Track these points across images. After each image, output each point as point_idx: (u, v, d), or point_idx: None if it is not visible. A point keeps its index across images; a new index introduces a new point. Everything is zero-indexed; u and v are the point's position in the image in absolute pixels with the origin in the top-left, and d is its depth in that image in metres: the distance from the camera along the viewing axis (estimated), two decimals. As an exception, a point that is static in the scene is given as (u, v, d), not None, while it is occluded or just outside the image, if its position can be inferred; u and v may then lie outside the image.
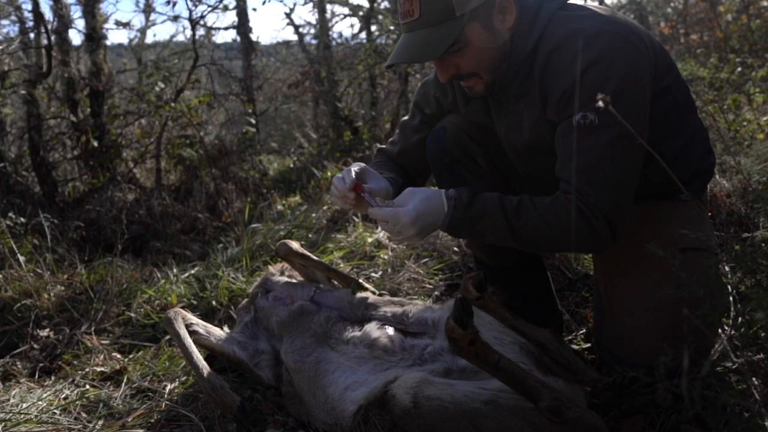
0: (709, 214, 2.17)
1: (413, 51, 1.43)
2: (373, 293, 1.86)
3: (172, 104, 4.34)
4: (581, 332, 1.88)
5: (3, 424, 1.57)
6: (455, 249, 2.64)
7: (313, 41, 7.24)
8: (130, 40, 7.77)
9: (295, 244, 2.04)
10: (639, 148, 1.38)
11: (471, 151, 1.70)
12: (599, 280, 1.66)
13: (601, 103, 1.02)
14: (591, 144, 1.34)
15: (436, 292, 2.32)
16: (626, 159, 1.36)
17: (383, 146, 1.93)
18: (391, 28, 6.11)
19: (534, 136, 1.50)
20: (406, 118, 1.90)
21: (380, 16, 6.88)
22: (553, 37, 1.42)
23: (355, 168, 1.61)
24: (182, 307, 2.31)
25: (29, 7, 4.74)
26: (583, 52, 1.34)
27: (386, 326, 1.56)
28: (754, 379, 1.15)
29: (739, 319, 1.26)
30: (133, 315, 2.39)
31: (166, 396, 1.76)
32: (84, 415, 1.69)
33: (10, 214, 3.17)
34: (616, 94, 1.28)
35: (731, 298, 1.30)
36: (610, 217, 1.36)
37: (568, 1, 1.49)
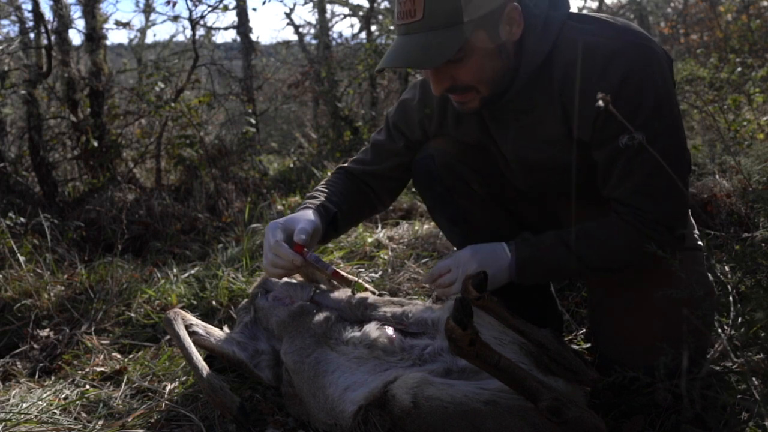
0: (710, 211, 2.18)
1: (413, 55, 1.30)
2: (373, 293, 1.85)
3: (172, 104, 4.34)
4: (581, 332, 1.88)
5: (3, 424, 1.57)
6: (455, 249, 2.64)
7: (313, 41, 7.24)
8: (130, 40, 7.78)
9: (295, 244, 2.03)
10: (687, 153, 1.40)
11: (464, 176, 1.65)
12: (590, 286, 1.68)
13: (601, 102, 1.01)
14: (643, 162, 1.31)
15: (436, 292, 2.32)
16: (678, 168, 1.33)
17: (346, 165, 1.79)
18: (391, 28, 6.11)
19: (554, 153, 1.45)
20: (380, 137, 1.74)
21: (380, 16, 6.89)
22: (569, 49, 1.35)
23: (278, 236, 1.52)
24: (182, 308, 2.31)
25: (29, 7, 4.74)
26: (611, 69, 1.29)
27: (386, 326, 1.56)
28: (754, 379, 1.15)
29: (739, 319, 1.26)
30: (133, 315, 2.39)
31: (166, 396, 1.75)
32: (84, 415, 1.69)
33: (10, 214, 3.16)
34: (656, 106, 1.29)
35: (731, 298, 1.30)
36: (672, 225, 1.36)
37: (571, 11, 1.43)
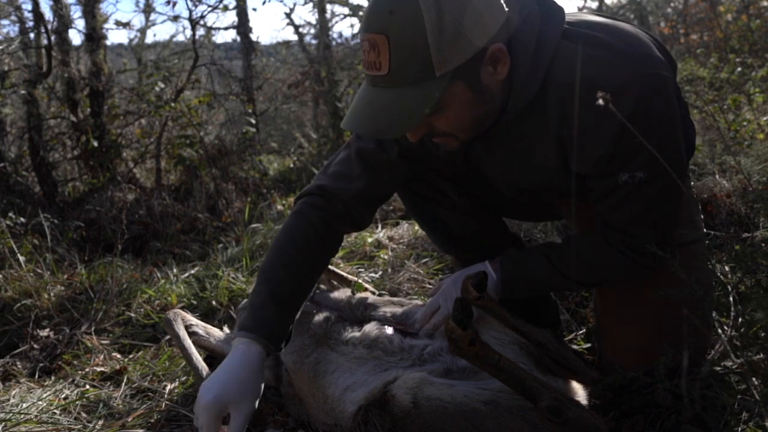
0: (709, 210, 2.18)
1: (379, 119, 1.16)
2: (373, 293, 1.86)
3: (172, 104, 4.34)
4: (581, 332, 1.87)
5: (3, 424, 1.57)
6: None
7: (313, 41, 7.24)
8: (130, 40, 7.77)
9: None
10: (687, 177, 1.41)
11: (441, 187, 1.64)
12: (596, 292, 1.68)
13: (600, 101, 1.00)
14: (641, 197, 1.29)
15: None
16: (675, 200, 1.32)
17: (322, 183, 1.51)
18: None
19: (545, 181, 1.41)
20: (365, 145, 1.50)
21: (380, 16, 6.87)
22: (566, 81, 1.21)
23: (204, 419, 1.27)
24: (182, 308, 2.30)
25: (29, 7, 4.74)
26: (615, 108, 1.14)
27: (385, 326, 1.56)
28: (754, 379, 1.15)
29: (739, 319, 1.26)
30: (133, 315, 2.39)
31: (166, 396, 1.75)
32: (84, 415, 1.69)
33: (10, 214, 3.16)
34: (660, 144, 1.18)
35: (731, 298, 1.30)
36: (655, 250, 1.36)
37: (566, 18, 1.28)
